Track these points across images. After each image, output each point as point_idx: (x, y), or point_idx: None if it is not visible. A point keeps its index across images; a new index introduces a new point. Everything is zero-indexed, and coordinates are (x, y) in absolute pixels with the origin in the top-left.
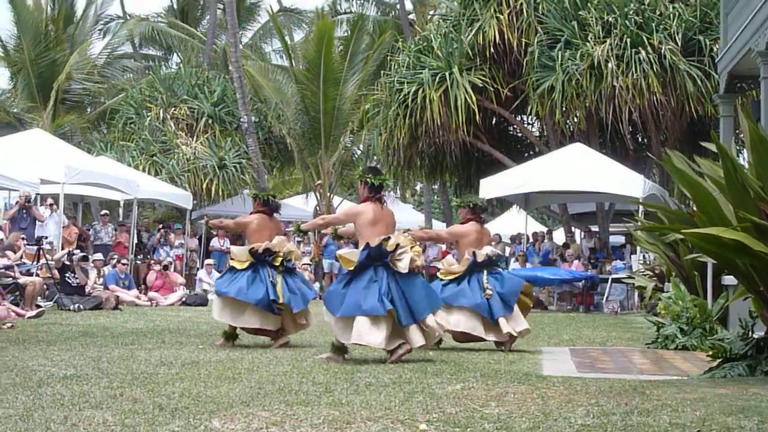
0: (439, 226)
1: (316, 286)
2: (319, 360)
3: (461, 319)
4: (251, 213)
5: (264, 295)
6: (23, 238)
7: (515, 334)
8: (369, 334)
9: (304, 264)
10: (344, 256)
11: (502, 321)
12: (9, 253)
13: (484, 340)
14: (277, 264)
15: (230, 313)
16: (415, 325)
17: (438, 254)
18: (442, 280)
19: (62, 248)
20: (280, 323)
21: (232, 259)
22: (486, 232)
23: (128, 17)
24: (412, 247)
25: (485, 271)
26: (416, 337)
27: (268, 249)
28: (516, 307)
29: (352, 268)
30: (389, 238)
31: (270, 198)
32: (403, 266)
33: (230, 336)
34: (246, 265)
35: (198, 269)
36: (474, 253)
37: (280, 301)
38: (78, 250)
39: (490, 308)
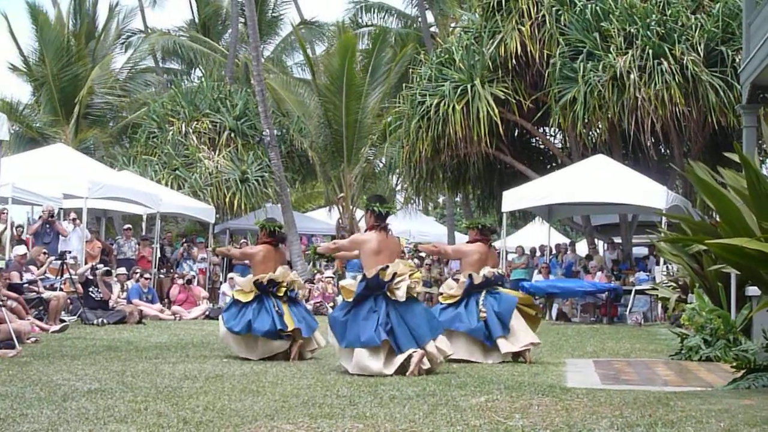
0: (461, 239)
1: (339, 299)
2: (341, 373)
3: (459, 344)
4: (257, 243)
5: (271, 326)
6: (45, 253)
7: (518, 350)
8: (368, 364)
9: (328, 277)
10: (345, 287)
11: (500, 342)
12: (32, 267)
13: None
14: (281, 294)
15: (245, 347)
16: (417, 350)
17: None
18: (441, 303)
19: (86, 263)
20: (287, 346)
21: (236, 289)
22: (492, 254)
23: (150, 31)
24: (411, 275)
25: (483, 292)
26: (414, 357)
27: (272, 280)
28: (520, 322)
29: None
30: (387, 267)
31: (276, 229)
32: (400, 295)
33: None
34: (251, 297)
35: (221, 283)
36: (470, 276)
37: (289, 329)
38: (101, 265)
39: (488, 330)
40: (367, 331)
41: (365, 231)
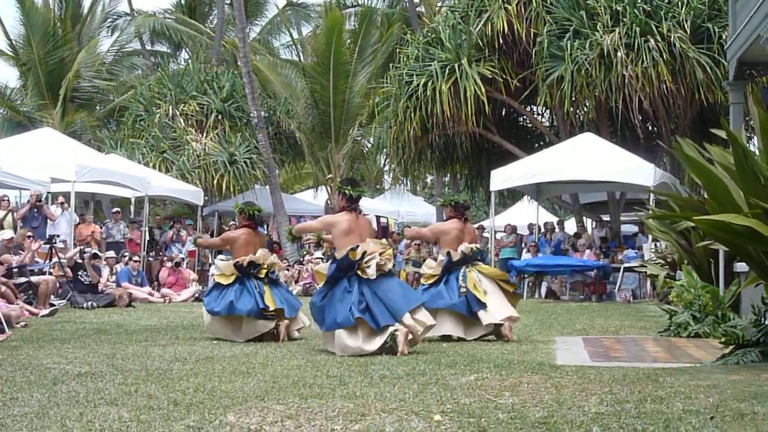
0: None
1: None
2: (331, 354)
3: (442, 321)
4: (238, 227)
5: (253, 306)
6: (30, 236)
7: (500, 321)
8: (348, 344)
9: (317, 258)
10: (318, 271)
11: (480, 314)
12: (27, 250)
13: (466, 340)
14: (262, 276)
15: (230, 329)
16: (400, 327)
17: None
18: (423, 284)
19: (90, 247)
20: (273, 325)
21: (217, 273)
22: (469, 230)
23: (136, 14)
24: (382, 253)
25: (462, 268)
26: (397, 338)
27: (253, 262)
28: (500, 297)
29: (325, 282)
30: (357, 247)
31: (255, 212)
32: (371, 273)
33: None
34: (232, 279)
35: (210, 265)
36: (448, 253)
37: (271, 308)
38: (89, 248)
39: (468, 304)
40: (342, 312)
41: (336, 212)
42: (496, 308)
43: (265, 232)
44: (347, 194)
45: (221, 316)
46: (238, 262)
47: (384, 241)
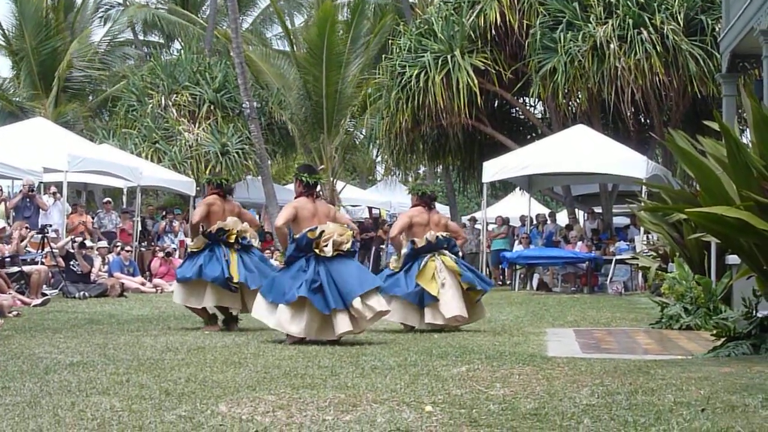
0: (442, 210)
1: None
2: (323, 344)
3: (395, 308)
4: (207, 195)
5: (219, 274)
6: (27, 227)
7: (442, 323)
8: (290, 324)
9: None
10: (279, 254)
11: (426, 310)
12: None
13: (414, 329)
14: (232, 242)
15: (195, 296)
16: (345, 311)
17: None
18: (389, 270)
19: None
20: (240, 302)
21: (191, 245)
22: (435, 218)
23: (128, 4)
24: (341, 234)
25: (426, 256)
26: (342, 323)
27: (221, 228)
28: (455, 292)
29: (284, 263)
30: (315, 228)
31: (223, 181)
32: (328, 250)
33: (211, 318)
34: (202, 246)
35: None
36: (412, 241)
37: (235, 279)
38: (79, 238)
39: (421, 296)
40: (291, 289)
41: (295, 198)
42: (446, 304)
43: (235, 202)
44: (304, 181)
45: (191, 281)
46: (207, 230)
47: (344, 225)
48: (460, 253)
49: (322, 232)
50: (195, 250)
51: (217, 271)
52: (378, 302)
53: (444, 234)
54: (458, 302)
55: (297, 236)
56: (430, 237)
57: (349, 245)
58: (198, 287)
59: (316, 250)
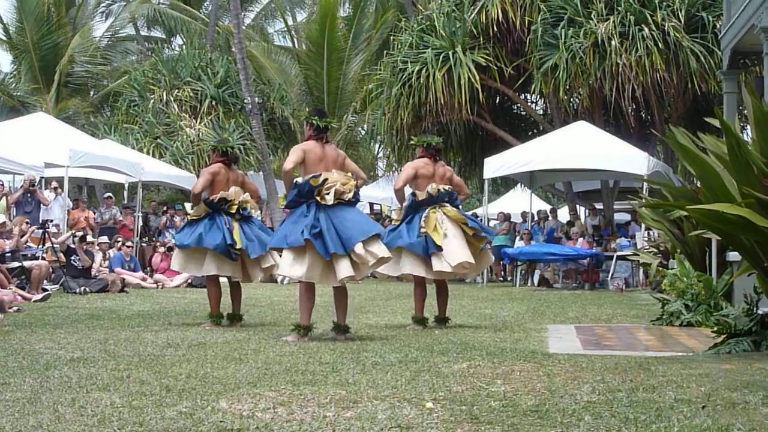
0: None
1: None
2: (324, 340)
3: (403, 260)
4: (211, 164)
5: (221, 240)
6: (27, 222)
7: (450, 270)
8: (291, 267)
9: None
10: (281, 197)
11: (433, 258)
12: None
13: (426, 280)
14: (233, 212)
15: (194, 264)
16: (346, 256)
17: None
18: (391, 225)
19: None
20: (240, 271)
21: (191, 213)
22: (440, 171)
23: None
24: (344, 183)
25: (427, 209)
26: (343, 268)
27: (223, 198)
28: (459, 242)
29: (285, 207)
30: (319, 175)
31: (228, 149)
32: (329, 199)
33: (218, 319)
34: (203, 214)
35: None
36: (413, 193)
37: (237, 246)
38: (79, 232)
39: (426, 245)
40: (294, 233)
41: (304, 141)
42: (452, 253)
43: (239, 171)
44: (314, 124)
45: (189, 248)
46: (209, 198)
47: (348, 174)
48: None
49: (326, 180)
50: (195, 217)
51: (218, 238)
52: (379, 248)
53: (447, 187)
54: (463, 250)
55: (300, 181)
56: (431, 190)
57: (351, 195)
58: (197, 255)
59: (318, 198)
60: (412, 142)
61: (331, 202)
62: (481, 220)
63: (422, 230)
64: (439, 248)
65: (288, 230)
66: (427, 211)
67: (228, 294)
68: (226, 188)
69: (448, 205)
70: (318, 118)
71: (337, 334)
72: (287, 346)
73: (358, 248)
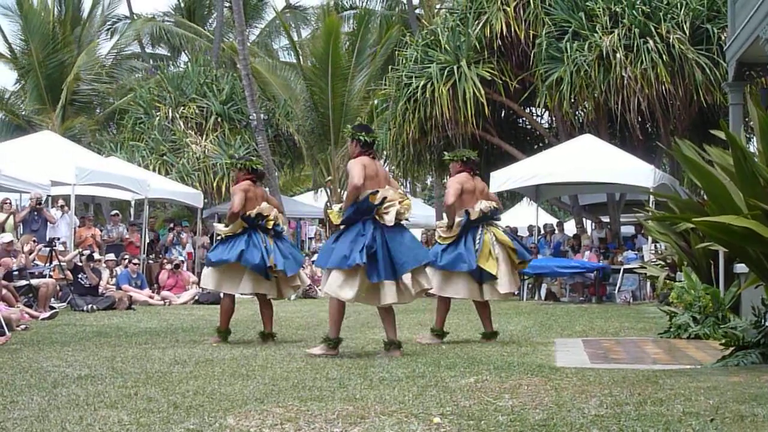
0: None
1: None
2: (331, 356)
3: (461, 286)
4: (239, 182)
5: (260, 261)
6: (34, 241)
7: (497, 299)
8: (341, 289)
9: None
10: (333, 212)
11: (484, 287)
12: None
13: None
14: (269, 228)
15: (229, 282)
16: (393, 282)
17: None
18: (441, 244)
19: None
20: (276, 290)
21: (224, 230)
22: (480, 186)
23: (135, 17)
24: (401, 201)
25: (480, 229)
26: (389, 293)
27: (260, 214)
28: (507, 268)
29: (340, 224)
30: (377, 192)
31: (258, 167)
32: (389, 219)
33: (225, 335)
34: (239, 231)
35: None
36: (467, 212)
37: (276, 267)
38: (87, 251)
39: (480, 272)
40: (353, 253)
41: (352, 158)
42: (502, 281)
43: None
44: (362, 140)
45: (225, 265)
46: (246, 213)
47: (401, 191)
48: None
49: (385, 198)
50: (229, 234)
51: (257, 257)
52: (425, 279)
53: (494, 205)
54: (510, 277)
55: (359, 199)
56: (485, 208)
57: (408, 215)
58: (234, 272)
59: (376, 216)
60: (445, 158)
61: (391, 223)
62: None
63: (477, 253)
64: (495, 278)
65: (346, 250)
66: (479, 233)
67: (236, 309)
68: (257, 204)
69: (497, 224)
70: (364, 134)
71: (392, 350)
72: (294, 362)
73: (406, 278)
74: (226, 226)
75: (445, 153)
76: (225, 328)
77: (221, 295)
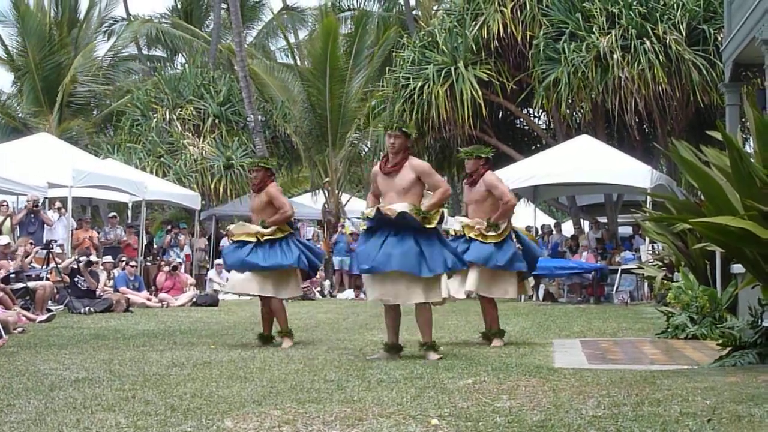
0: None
1: (327, 283)
2: (329, 358)
3: (501, 282)
4: (271, 184)
5: (305, 263)
6: (31, 243)
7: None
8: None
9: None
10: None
11: (525, 282)
12: (18, 256)
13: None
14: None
15: (273, 285)
16: (419, 282)
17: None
18: (484, 243)
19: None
20: (301, 290)
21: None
22: None
23: (132, 19)
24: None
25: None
26: (416, 294)
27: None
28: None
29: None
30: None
31: (272, 165)
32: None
33: (290, 332)
34: (286, 233)
35: (208, 269)
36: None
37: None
38: (84, 257)
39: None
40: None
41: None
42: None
43: None
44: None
45: (292, 267)
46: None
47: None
48: None
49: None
50: (269, 236)
51: (303, 256)
52: (452, 287)
53: None
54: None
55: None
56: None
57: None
58: (279, 278)
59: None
60: (462, 154)
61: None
62: None
63: (519, 248)
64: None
65: (373, 252)
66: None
67: (234, 312)
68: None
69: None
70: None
71: (425, 353)
72: (292, 364)
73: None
74: (266, 227)
75: (461, 149)
76: (286, 327)
77: (259, 299)
